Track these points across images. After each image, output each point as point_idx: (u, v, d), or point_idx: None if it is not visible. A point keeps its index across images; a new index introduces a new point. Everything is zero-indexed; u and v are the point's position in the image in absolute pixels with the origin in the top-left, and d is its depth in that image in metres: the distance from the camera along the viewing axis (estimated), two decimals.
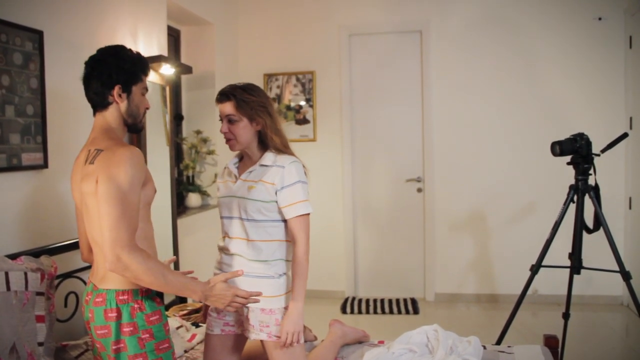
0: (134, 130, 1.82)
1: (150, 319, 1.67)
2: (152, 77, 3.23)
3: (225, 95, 2.00)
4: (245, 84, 2.05)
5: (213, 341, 2.11)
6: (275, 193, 1.98)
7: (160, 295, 1.74)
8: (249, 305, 1.98)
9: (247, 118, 1.99)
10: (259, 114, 2.00)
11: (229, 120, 2.00)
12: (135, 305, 1.65)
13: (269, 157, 2.02)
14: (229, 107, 1.99)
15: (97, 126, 1.76)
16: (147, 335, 1.66)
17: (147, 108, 1.83)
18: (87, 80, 1.74)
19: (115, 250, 1.52)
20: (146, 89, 1.81)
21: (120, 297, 1.64)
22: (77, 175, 1.73)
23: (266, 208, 1.98)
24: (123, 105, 1.74)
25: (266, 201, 1.97)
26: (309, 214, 2.00)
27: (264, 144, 2.06)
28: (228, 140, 2.03)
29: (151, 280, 1.57)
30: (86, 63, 1.75)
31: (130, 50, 1.77)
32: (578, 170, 3.07)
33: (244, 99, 1.98)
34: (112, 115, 1.74)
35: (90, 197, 1.64)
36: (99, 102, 1.74)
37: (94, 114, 1.77)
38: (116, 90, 1.71)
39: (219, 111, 2.03)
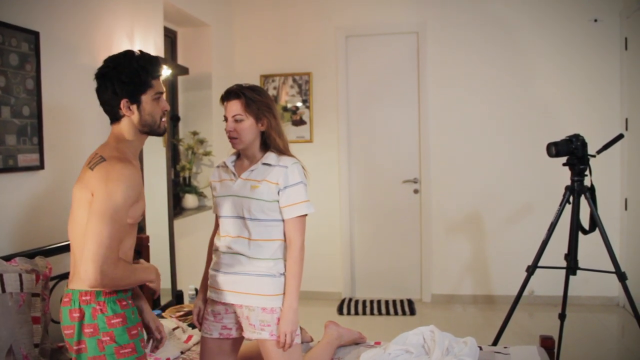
0: (155, 135, 1.78)
1: (112, 321, 1.63)
2: None
3: (233, 93, 2.01)
4: (251, 84, 2.07)
5: (210, 344, 2.10)
6: (278, 193, 1.99)
7: (126, 298, 1.70)
8: (248, 304, 1.99)
9: (253, 117, 2.01)
10: (265, 114, 2.02)
11: (235, 119, 2.00)
12: (97, 307, 1.62)
13: (271, 157, 2.04)
14: (236, 106, 2.00)
15: (112, 133, 1.73)
16: (108, 337, 1.62)
17: (166, 110, 1.77)
18: (98, 94, 1.70)
19: (103, 267, 1.51)
20: (160, 93, 1.74)
21: (84, 298, 1.62)
22: (80, 174, 1.70)
23: (269, 208, 1.99)
24: (134, 117, 1.69)
25: (269, 201, 1.99)
26: (306, 215, 2.03)
27: (265, 145, 2.07)
28: (232, 139, 2.03)
29: (125, 284, 1.63)
30: (95, 76, 1.70)
31: (134, 57, 1.68)
32: (574, 172, 3.08)
33: (252, 98, 2.00)
34: (125, 127, 1.70)
35: (79, 201, 1.63)
36: (111, 116, 1.71)
37: (111, 123, 1.73)
38: (123, 104, 1.66)
39: (225, 110, 2.04)
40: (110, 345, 1.62)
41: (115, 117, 1.70)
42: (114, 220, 1.55)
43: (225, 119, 2.04)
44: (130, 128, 1.71)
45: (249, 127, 2.01)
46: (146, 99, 1.70)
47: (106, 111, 1.72)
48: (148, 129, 1.73)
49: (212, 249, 2.18)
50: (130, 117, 1.69)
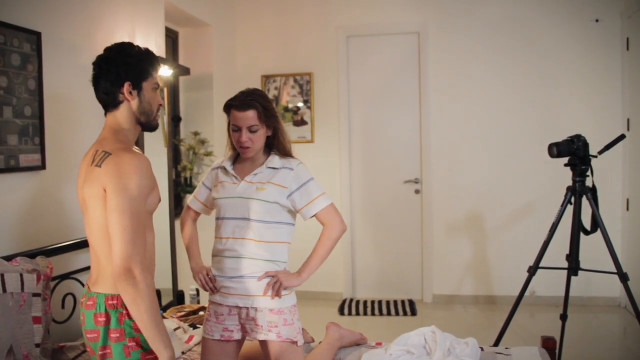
0: (149, 129, 1.76)
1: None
2: None
3: (247, 104, 1.98)
4: (254, 89, 2.06)
5: (212, 346, 2.10)
6: (287, 197, 2.00)
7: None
8: (255, 306, 1.99)
9: (265, 125, 2.01)
10: (274, 120, 2.03)
11: (250, 129, 1.98)
12: (124, 312, 1.59)
13: (275, 160, 2.04)
14: (252, 116, 1.97)
15: (107, 126, 1.70)
16: (134, 343, 1.61)
17: (160, 105, 1.77)
18: (96, 80, 1.68)
19: (130, 264, 1.50)
20: (157, 85, 1.74)
21: (110, 302, 1.60)
22: (82, 174, 1.67)
23: (274, 209, 1.99)
24: (134, 103, 1.67)
25: (275, 202, 1.99)
26: (330, 204, 2.04)
27: (266, 148, 2.08)
28: (244, 148, 2.01)
29: (147, 306, 1.53)
30: (94, 63, 1.69)
31: (137, 46, 1.72)
32: (575, 172, 3.07)
33: (265, 106, 1.99)
34: (123, 114, 1.68)
35: (92, 200, 1.59)
36: (109, 102, 1.68)
37: (105, 114, 1.71)
38: (126, 87, 1.65)
39: (237, 119, 1.99)
40: (136, 351, 1.61)
41: (113, 103, 1.67)
42: (133, 214, 1.53)
43: (235, 129, 2.00)
44: (127, 115, 1.68)
45: (262, 136, 2.02)
46: (147, 86, 1.70)
47: (102, 99, 1.69)
48: (145, 118, 1.71)
49: (186, 225, 2.22)
50: (130, 103, 1.67)
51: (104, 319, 1.60)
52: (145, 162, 1.61)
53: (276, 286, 1.97)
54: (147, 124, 1.74)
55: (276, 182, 2.00)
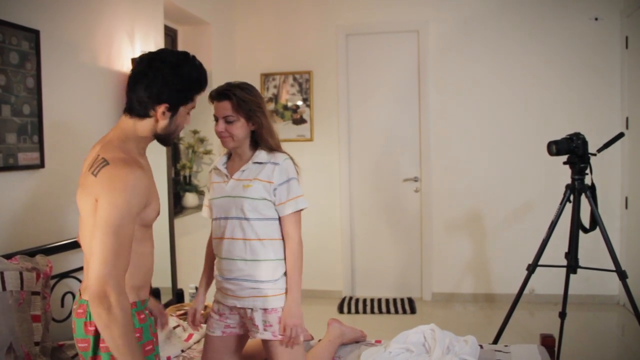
0: (163, 144, 1.65)
1: None
2: None
3: (222, 94, 1.99)
4: (240, 82, 2.05)
5: (214, 342, 2.10)
6: (273, 191, 1.98)
7: (144, 310, 1.61)
8: (251, 306, 2.00)
9: (244, 118, 1.99)
10: (256, 113, 2.00)
11: (226, 120, 1.98)
12: None
13: (262, 155, 2.02)
14: (226, 107, 1.98)
15: (119, 127, 1.59)
16: None
17: (187, 124, 1.67)
18: (134, 82, 1.55)
19: (105, 287, 1.39)
20: (194, 107, 1.64)
21: None
22: (81, 175, 1.59)
23: (263, 206, 1.98)
24: (162, 122, 1.57)
25: (263, 199, 1.97)
26: (302, 209, 2.03)
27: (255, 143, 2.06)
28: (223, 138, 2.02)
29: (121, 332, 1.41)
30: (139, 61, 1.57)
31: (193, 65, 1.59)
32: (574, 170, 3.08)
33: (243, 98, 1.97)
34: (144, 127, 1.57)
35: (84, 208, 1.54)
36: (138, 111, 1.55)
37: (124, 111, 1.59)
38: (162, 108, 1.54)
39: (215, 109, 2.01)
40: None
41: (140, 114, 1.56)
42: (118, 234, 1.43)
43: (216, 119, 2.02)
44: (149, 130, 1.58)
45: (241, 127, 1.99)
46: (183, 110, 1.60)
47: (131, 101, 1.56)
48: (165, 136, 1.61)
49: (209, 252, 2.20)
50: (158, 122, 1.57)
51: (94, 328, 1.52)
52: (142, 177, 1.51)
53: (292, 332, 1.97)
54: (163, 140, 1.64)
55: (262, 177, 1.98)
